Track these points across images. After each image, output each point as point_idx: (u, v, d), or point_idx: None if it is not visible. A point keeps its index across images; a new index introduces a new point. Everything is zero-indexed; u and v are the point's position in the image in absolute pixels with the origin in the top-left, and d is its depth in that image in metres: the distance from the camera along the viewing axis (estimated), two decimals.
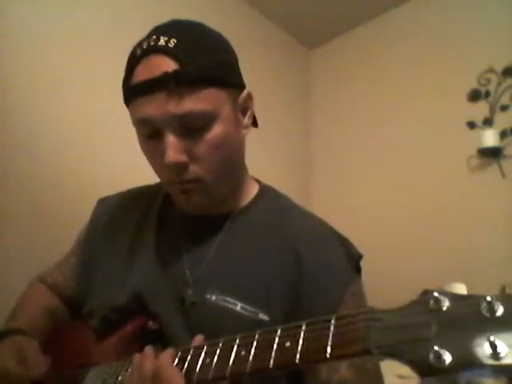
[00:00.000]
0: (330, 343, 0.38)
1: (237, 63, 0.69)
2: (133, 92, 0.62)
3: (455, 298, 0.32)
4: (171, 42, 0.60)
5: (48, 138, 1.57)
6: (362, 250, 0.73)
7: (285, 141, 2.60)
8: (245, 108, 0.70)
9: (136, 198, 0.83)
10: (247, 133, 0.72)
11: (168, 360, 0.53)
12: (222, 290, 0.65)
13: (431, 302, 0.33)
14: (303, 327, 0.42)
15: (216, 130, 0.63)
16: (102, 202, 0.87)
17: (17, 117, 1.50)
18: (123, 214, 0.81)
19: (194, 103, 0.60)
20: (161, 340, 0.66)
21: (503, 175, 2.01)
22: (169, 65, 0.59)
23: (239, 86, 0.69)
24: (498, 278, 1.91)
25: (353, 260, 0.70)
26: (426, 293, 0.34)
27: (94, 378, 0.66)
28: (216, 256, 0.69)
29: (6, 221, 1.43)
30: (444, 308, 0.32)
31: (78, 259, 0.82)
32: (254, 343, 0.45)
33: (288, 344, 0.42)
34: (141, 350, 0.66)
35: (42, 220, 1.50)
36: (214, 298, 0.65)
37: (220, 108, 0.63)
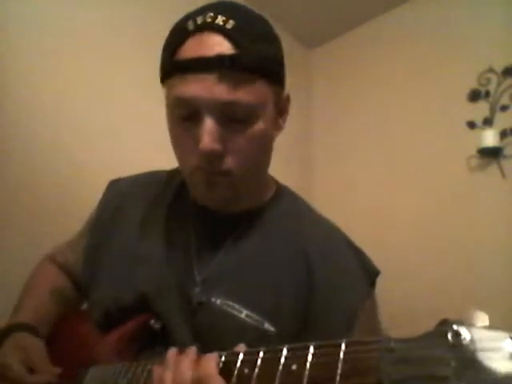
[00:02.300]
0: (339, 372, 0.35)
1: (284, 61, 0.65)
2: (179, 67, 0.57)
3: (476, 331, 0.30)
4: (229, 22, 0.56)
5: (49, 137, 1.57)
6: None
7: (285, 141, 2.58)
8: (283, 110, 0.68)
9: (147, 184, 0.80)
10: (278, 135, 0.69)
11: (214, 369, 0.46)
12: (228, 294, 0.63)
13: (450, 334, 0.30)
14: (311, 350, 0.39)
15: (258, 126, 0.60)
16: (114, 184, 0.84)
17: (17, 116, 1.50)
18: (133, 200, 0.78)
19: (244, 93, 0.56)
20: (163, 339, 0.64)
21: (503, 175, 2.01)
22: (225, 47, 0.55)
23: (284, 85, 0.66)
24: (498, 277, 1.92)
25: (369, 275, 0.68)
26: (445, 323, 0.31)
27: (93, 380, 0.65)
28: (226, 257, 0.67)
29: (6, 220, 1.43)
30: (464, 343, 0.29)
31: (86, 242, 0.79)
32: (259, 361, 0.43)
33: (294, 367, 0.39)
34: (142, 348, 0.65)
35: (42, 220, 1.50)
36: (218, 301, 0.62)
37: (266, 104, 0.61)
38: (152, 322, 0.65)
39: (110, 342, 0.67)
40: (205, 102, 0.56)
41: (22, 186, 1.47)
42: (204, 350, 0.59)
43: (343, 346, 0.37)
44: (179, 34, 0.58)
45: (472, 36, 2.17)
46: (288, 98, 0.68)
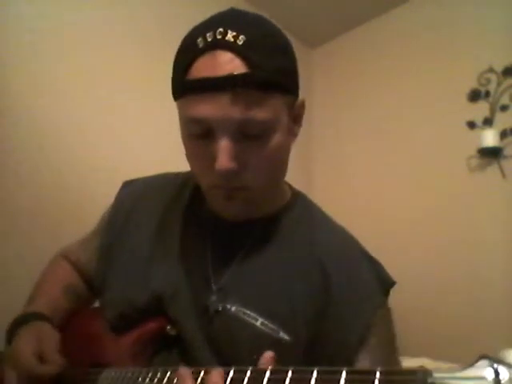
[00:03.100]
0: None
1: (297, 67, 0.64)
2: (191, 87, 0.56)
3: None
4: (240, 38, 0.55)
5: (49, 137, 1.57)
6: None
7: None
8: (297, 116, 0.66)
9: (162, 186, 0.79)
10: (294, 141, 0.68)
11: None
12: (244, 302, 0.63)
13: (489, 371, 0.30)
14: (343, 375, 0.38)
15: (274, 140, 0.59)
16: (127, 185, 0.84)
17: (17, 115, 1.50)
18: (147, 201, 0.77)
19: (258, 110, 0.56)
20: (178, 346, 0.64)
21: (503, 175, 2.01)
22: (237, 65, 0.54)
23: (297, 92, 0.64)
24: (498, 277, 1.92)
25: (384, 285, 0.68)
26: (483, 359, 0.31)
27: (106, 382, 0.65)
28: (241, 266, 0.66)
29: (6, 220, 1.43)
30: (503, 381, 0.29)
31: (100, 241, 0.79)
32: (287, 381, 0.41)
33: None
34: (156, 353, 0.65)
35: (42, 220, 1.50)
36: (233, 309, 0.62)
37: (280, 117, 0.60)
38: (168, 328, 0.65)
39: (125, 344, 0.67)
40: (219, 121, 0.56)
41: (22, 186, 1.48)
42: (219, 357, 0.58)
43: (378, 374, 0.35)
44: (189, 52, 0.57)
45: (472, 36, 2.17)
46: (303, 104, 0.66)
